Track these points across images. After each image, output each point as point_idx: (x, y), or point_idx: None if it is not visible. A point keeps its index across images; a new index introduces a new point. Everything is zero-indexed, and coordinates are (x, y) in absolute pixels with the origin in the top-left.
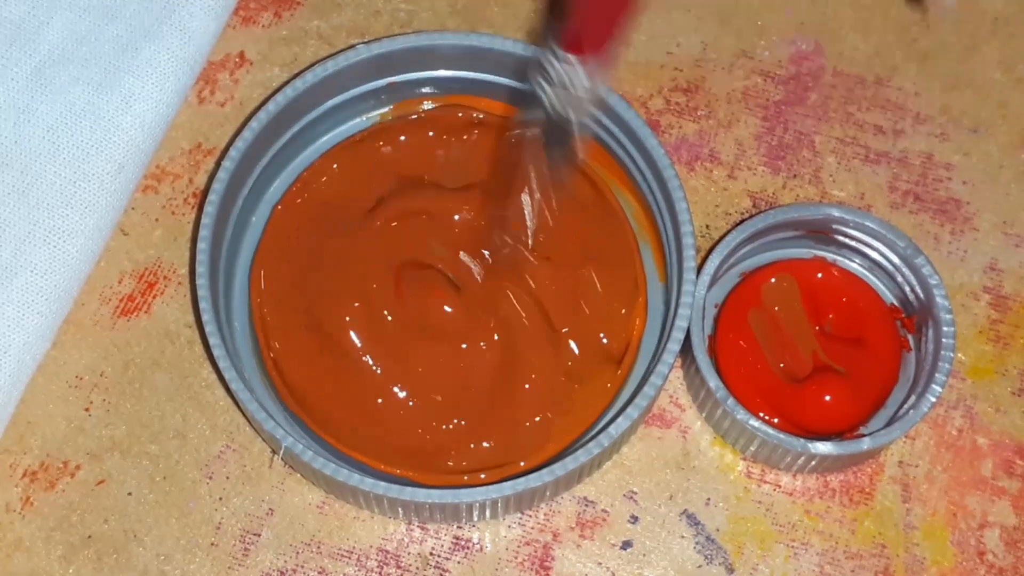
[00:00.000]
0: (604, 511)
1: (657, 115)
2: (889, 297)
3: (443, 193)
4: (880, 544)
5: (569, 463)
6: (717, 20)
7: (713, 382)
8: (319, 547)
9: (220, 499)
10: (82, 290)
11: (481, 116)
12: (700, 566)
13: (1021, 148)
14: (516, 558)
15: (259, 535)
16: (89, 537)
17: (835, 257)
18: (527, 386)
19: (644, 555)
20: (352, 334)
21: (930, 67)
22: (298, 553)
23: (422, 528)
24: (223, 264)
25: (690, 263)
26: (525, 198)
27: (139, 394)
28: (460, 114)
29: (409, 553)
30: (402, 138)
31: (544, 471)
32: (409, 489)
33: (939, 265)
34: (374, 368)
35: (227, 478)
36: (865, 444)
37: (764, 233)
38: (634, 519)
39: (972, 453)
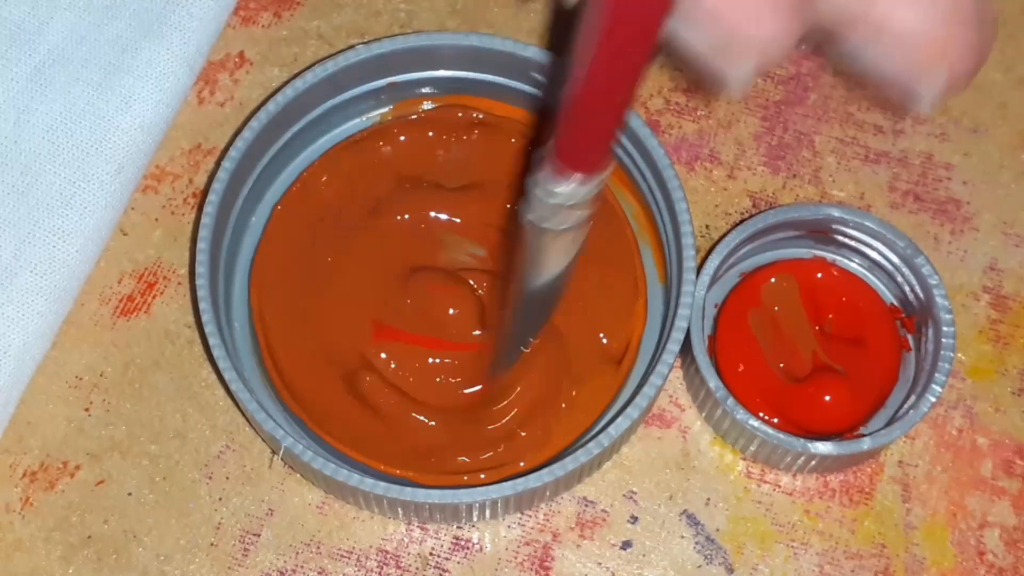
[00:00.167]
0: (604, 511)
1: (657, 115)
2: (889, 297)
3: (443, 193)
4: (880, 544)
5: (569, 463)
6: None
7: (713, 382)
8: (319, 547)
9: (220, 499)
10: (82, 290)
11: (481, 116)
12: (700, 566)
13: (1021, 148)
14: (516, 558)
15: (259, 535)
16: (89, 537)
17: (835, 257)
18: (527, 386)
19: (644, 555)
20: (352, 334)
21: None
22: (298, 553)
23: (422, 528)
24: (223, 264)
25: (690, 263)
26: None
27: (139, 394)
28: (460, 114)
29: (409, 553)
30: (402, 138)
31: (544, 471)
32: (409, 489)
33: (939, 265)
34: (374, 368)
35: (227, 478)
36: (865, 444)
37: (764, 233)
38: (634, 519)
39: (972, 453)
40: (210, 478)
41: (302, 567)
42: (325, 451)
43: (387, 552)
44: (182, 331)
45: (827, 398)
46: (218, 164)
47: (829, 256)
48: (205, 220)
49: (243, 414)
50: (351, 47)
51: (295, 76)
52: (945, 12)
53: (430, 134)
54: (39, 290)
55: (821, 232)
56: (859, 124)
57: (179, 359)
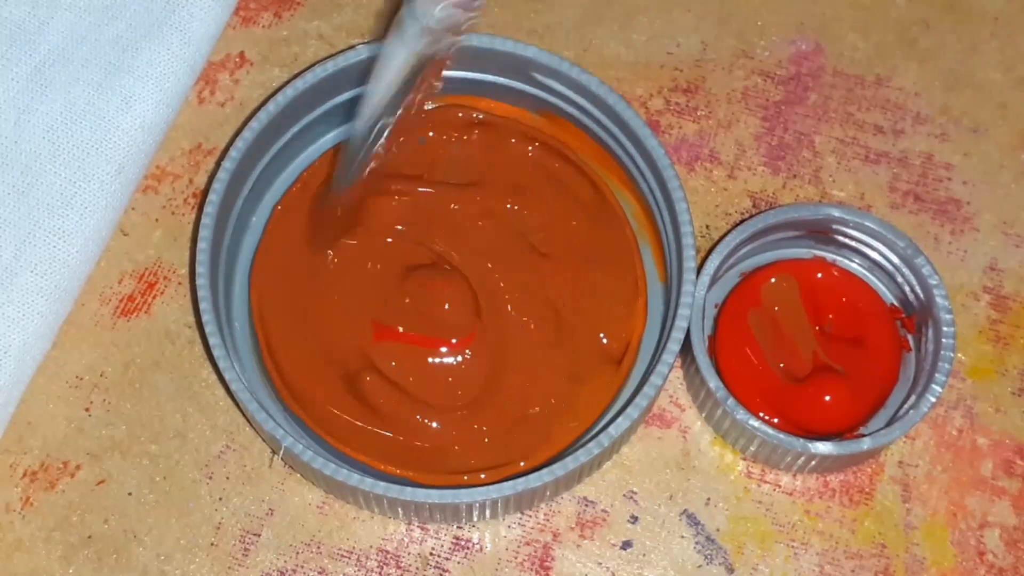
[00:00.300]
0: (604, 511)
1: (657, 115)
2: (889, 297)
3: (443, 193)
4: (880, 544)
5: (569, 463)
6: (717, 20)
7: (713, 382)
8: (319, 547)
9: (220, 499)
10: (82, 290)
11: (481, 116)
12: (700, 566)
13: (1021, 148)
14: (516, 558)
15: (259, 535)
16: (89, 537)
17: (835, 257)
18: (527, 386)
19: (644, 555)
20: (352, 333)
21: (930, 67)
22: (298, 553)
23: (422, 528)
24: (223, 264)
25: (690, 263)
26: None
27: (139, 394)
28: (460, 114)
29: (409, 553)
30: (402, 138)
31: (544, 471)
32: (409, 489)
33: (939, 265)
34: (374, 367)
35: (227, 478)
36: (865, 444)
37: (764, 233)
38: (634, 519)
39: (972, 453)
40: (210, 478)
41: (302, 567)
42: (325, 451)
43: (387, 552)
44: (182, 331)
45: (827, 398)
46: (218, 164)
47: (829, 256)
48: (205, 220)
49: (243, 414)
50: (351, 47)
51: (295, 76)
52: None
53: (430, 134)
54: (39, 290)
55: (821, 232)
56: (859, 124)
57: (179, 359)
